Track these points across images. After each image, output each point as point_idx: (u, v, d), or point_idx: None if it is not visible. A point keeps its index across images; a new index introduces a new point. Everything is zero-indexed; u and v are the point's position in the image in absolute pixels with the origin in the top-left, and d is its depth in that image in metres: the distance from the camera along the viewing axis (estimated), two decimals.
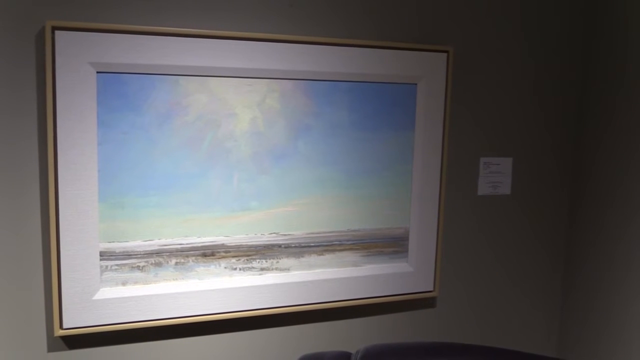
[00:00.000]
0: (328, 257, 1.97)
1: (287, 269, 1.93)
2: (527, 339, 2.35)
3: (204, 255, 1.83)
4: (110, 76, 1.67)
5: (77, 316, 1.72)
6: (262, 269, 1.90)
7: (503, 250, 2.25)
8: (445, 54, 2.02)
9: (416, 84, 2.00)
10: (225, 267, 1.86)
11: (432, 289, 2.11)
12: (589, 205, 2.25)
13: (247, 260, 1.88)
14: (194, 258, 1.83)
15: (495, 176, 2.18)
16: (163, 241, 1.79)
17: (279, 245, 1.91)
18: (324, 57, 1.88)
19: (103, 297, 1.74)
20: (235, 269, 1.88)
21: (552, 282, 2.36)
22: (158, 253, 1.79)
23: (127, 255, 1.76)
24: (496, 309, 2.28)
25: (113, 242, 1.74)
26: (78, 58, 1.63)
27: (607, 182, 2.18)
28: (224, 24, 1.79)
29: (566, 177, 2.32)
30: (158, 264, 1.79)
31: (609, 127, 2.17)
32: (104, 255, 1.73)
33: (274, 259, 1.91)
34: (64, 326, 1.71)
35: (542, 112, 2.24)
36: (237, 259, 1.87)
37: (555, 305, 2.38)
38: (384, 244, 2.04)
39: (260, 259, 1.90)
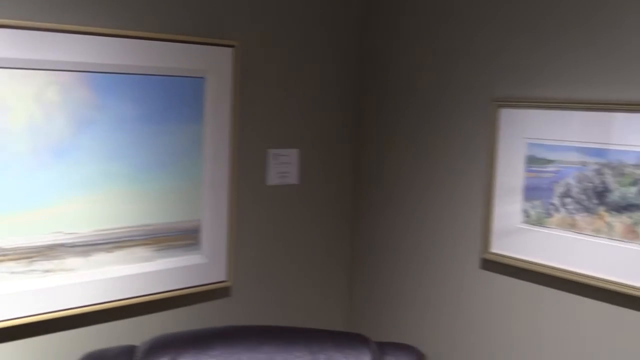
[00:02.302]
0: (118, 253, 1.93)
1: (74, 269, 1.85)
2: (319, 321, 2.48)
3: None
4: None
5: None
6: (45, 271, 1.80)
7: (294, 237, 2.36)
8: (231, 49, 2.07)
9: (203, 78, 2.03)
10: (3, 272, 1.73)
11: (226, 279, 2.15)
12: (372, 192, 2.45)
13: (28, 262, 1.77)
14: None
15: (284, 167, 2.28)
16: None
17: (64, 245, 1.83)
18: (108, 49, 1.83)
19: None
20: (15, 272, 1.76)
21: (341, 265, 2.53)
22: None
23: None
24: (290, 294, 2.39)
25: None
26: None
27: (387, 171, 2.39)
28: None
29: (349, 166, 2.49)
30: None
31: (385, 118, 2.38)
32: None
33: (58, 259, 1.82)
34: None
35: (326, 105, 2.38)
36: (16, 262, 1.75)
37: (344, 286, 2.55)
38: (176, 237, 2.04)
39: (42, 260, 1.79)
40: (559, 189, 1.86)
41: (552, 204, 1.88)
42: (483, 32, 2.05)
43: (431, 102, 2.22)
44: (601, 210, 1.77)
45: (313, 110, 2.35)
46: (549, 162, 1.87)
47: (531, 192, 1.92)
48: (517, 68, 1.96)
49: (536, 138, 1.90)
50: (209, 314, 2.18)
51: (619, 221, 1.74)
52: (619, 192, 1.73)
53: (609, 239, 1.76)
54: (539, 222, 1.91)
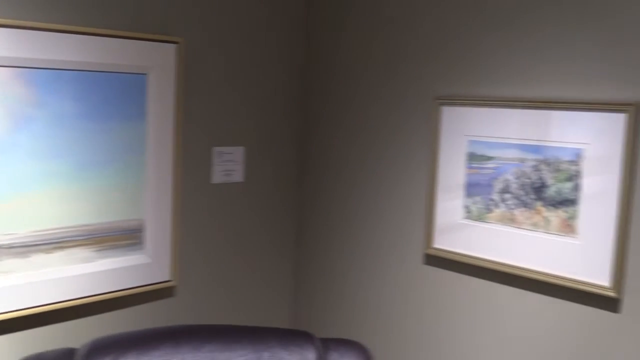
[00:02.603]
0: (58, 254, 1.88)
1: (12, 271, 1.79)
2: (266, 319, 2.48)
3: None
4: None
5: None
6: None
7: (239, 235, 2.35)
8: (175, 45, 2.04)
9: (146, 74, 2.00)
10: None
11: (170, 279, 2.13)
12: (317, 190, 2.46)
13: None
14: None
15: (229, 165, 2.27)
16: None
17: (1, 246, 1.77)
18: (47, 44, 1.78)
19: None
20: None
21: (286, 263, 2.53)
22: None
23: None
24: (236, 292, 2.38)
25: None
26: None
27: (332, 169, 2.40)
28: None
29: (295, 164, 2.50)
30: None
31: (330, 116, 2.39)
32: None
33: None
34: None
35: (271, 103, 2.38)
36: None
37: (290, 283, 2.55)
38: (118, 237, 2.00)
39: None
40: (499, 185, 1.90)
41: (492, 200, 1.92)
42: (425, 31, 2.08)
43: (375, 101, 2.24)
44: (538, 205, 1.83)
45: (258, 108, 2.35)
46: (489, 158, 1.92)
47: (472, 188, 1.97)
48: (458, 67, 2.00)
49: (476, 135, 1.94)
50: (154, 315, 2.15)
51: (555, 215, 1.80)
52: (555, 187, 1.79)
53: (546, 232, 1.82)
54: (480, 218, 1.95)
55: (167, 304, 2.18)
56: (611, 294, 1.71)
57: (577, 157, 1.75)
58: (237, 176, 2.31)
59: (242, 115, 2.30)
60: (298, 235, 2.54)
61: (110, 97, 1.93)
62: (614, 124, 1.68)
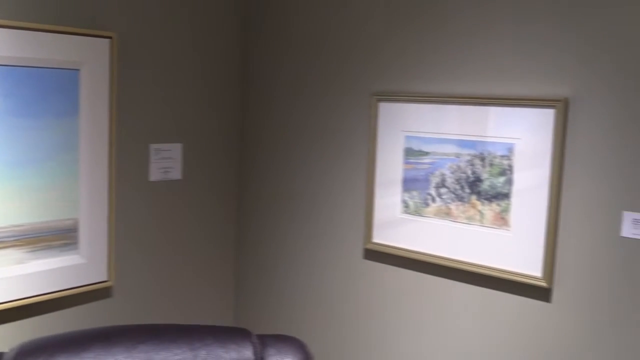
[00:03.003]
0: None
1: None
2: (207, 317, 2.46)
3: None
4: None
5: None
6: None
7: (178, 234, 2.32)
8: (108, 40, 2.00)
9: (79, 70, 1.94)
10: None
11: (107, 279, 2.08)
12: (257, 187, 2.45)
13: None
14: None
15: (166, 162, 2.23)
16: None
17: None
18: None
19: None
20: None
21: (226, 260, 2.51)
22: None
23: None
24: (176, 291, 2.34)
25: None
26: None
27: (273, 166, 2.39)
28: None
29: (234, 160, 2.48)
30: None
31: (270, 113, 2.38)
32: None
33: None
34: None
35: (210, 100, 2.36)
36: None
37: (230, 281, 2.53)
38: (52, 237, 1.94)
39: None
40: (435, 180, 1.94)
41: (429, 194, 1.95)
42: (363, 29, 2.10)
43: (314, 98, 2.24)
44: (473, 199, 1.87)
45: (196, 104, 2.32)
46: (425, 154, 1.95)
47: (409, 183, 1.99)
48: (395, 64, 2.02)
49: (413, 131, 1.97)
50: (90, 316, 2.10)
51: (489, 209, 1.84)
52: (489, 181, 1.83)
53: (480, 226, 1.86)
54: (417, 212, 1.98)
55: (105, 305, 2.13)
56: (543, 284, 1.76)
57: (509, 152, 1.79)
58: (175, 173, 2.27)
59: (179, 111, 2.27)
60: (238, 232, 2.52)
61: (42, 93, 1.87)
62: (544, 119, 1.73)
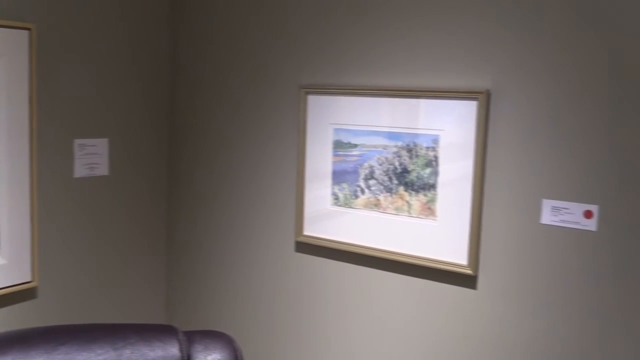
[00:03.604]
0: None
1: None
2: (138, 317, 2.41)
3: None
4: None
5: None
6: None
7: (106, 231, 2.27)
8: (27, 32, 1.93)
9: None
10: None
11: (31, 280, 2.01)
12: (187, 183, 2.41)
13: None
14: None
15: (92, 157, 2.17)
16: None
17: None
18: None
19: None
20: None
21: (157, 258, 2.47)
22: None
23: None
24: (105, 291, 2.29)
25: None
26: None
27: (203, 161, 2.36)
28: None
29: (164, 155, 2.43)
30: None
31: (199, 106, 2.35)
32: None
33: None
34: None
35: (137, 93, 2.31)
36: None
37: (162, 279, 2.49)
38: None
39: None
40: (364, 172, 1.95)
41: (359, 186, 1.97)
42: (290, 21, 2.09)
43: (244, 91, 2.23)
44: (401, 190, 1.89)
45: (123, 97, 2.26)
46: (354, 146, 1.96)
47: (339, 175, 2.00)
48: (322, 56, 2.03)
49: (341, 123, 1.98)
50: (14, 319, 2.03)
51: (417, 199, 1.87)
52: (415, 172, 1.86)
53: (408, 216, 1.89)
54: (347, 204, 2.00)
55: (30, 307, 2.06)
56: (468, 271, 1.80)
57: (434, 144, 1.82)
58: (102, 169, 2.22)
59: (105, 105, 2.21)
60: (169, 229, 2.48)
61: None
62: (467, 111, 1.77)
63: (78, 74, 2.12)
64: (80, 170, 2.15)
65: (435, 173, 1.83)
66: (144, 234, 2.41)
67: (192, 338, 1.40)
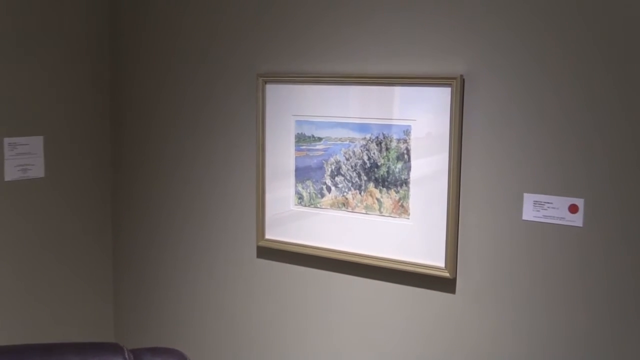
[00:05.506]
0: None
1: None
2: (85, 331, 2.21)
3: None
4: None
5: None
6: None
7: (44, 239, 2.09)
8: None
9: None
10: None
11: None
12: (133, 184, 2.23)
13: None
14: None
15: (24, 158, 1.99)
16: None
17: None
18: None
19: None
20: None
21: (102, 268, 2.28)
22: None
23: None
24: (46, 306, 2.11)
25: None
26: None
27: (150, 159, 2.19)
28: None
29: (106, 154, 2.25)
30: None
31: (145, 98, 2.18)
32: None
33: None
34: None
35: (74, 86, 2.14)
36: None
37: (108, 291, 2.30)
38: None
39: None
40: (330, 168, 1.80)
41: (324, 184, 1.81)
42: (246, 6, 1.93)
43: (192, 80, 2.06)
44: (371, 186, 1.74)
45: (59, 91, 2.10)
46: (318, 139, 1.81)
47: (303, 172, 1.85)
48: (281, 41, 1.88)
49: (304, 115, 1.83)
50: None
51: (388, 197, 1.72)
52: (386, 167, 1.71)
53: (379, 215, 1.74)
54: (312, 204, 1.84)
55: None
56: (446, 274, 1.66)
57: (406, 135, 1.68)
58: (37, 171, 2.04)
59: (39, 99, 2.04)
60: (114, 234, 2.29)
61: None
62: (440, 99, 1.64)
63: (7, 66, 1.93)
64: (11, 173, 1.98)
65: (407, 167, 1.69)
66: (86, 241, 2.22)
67: (140, 356, 1.23)
